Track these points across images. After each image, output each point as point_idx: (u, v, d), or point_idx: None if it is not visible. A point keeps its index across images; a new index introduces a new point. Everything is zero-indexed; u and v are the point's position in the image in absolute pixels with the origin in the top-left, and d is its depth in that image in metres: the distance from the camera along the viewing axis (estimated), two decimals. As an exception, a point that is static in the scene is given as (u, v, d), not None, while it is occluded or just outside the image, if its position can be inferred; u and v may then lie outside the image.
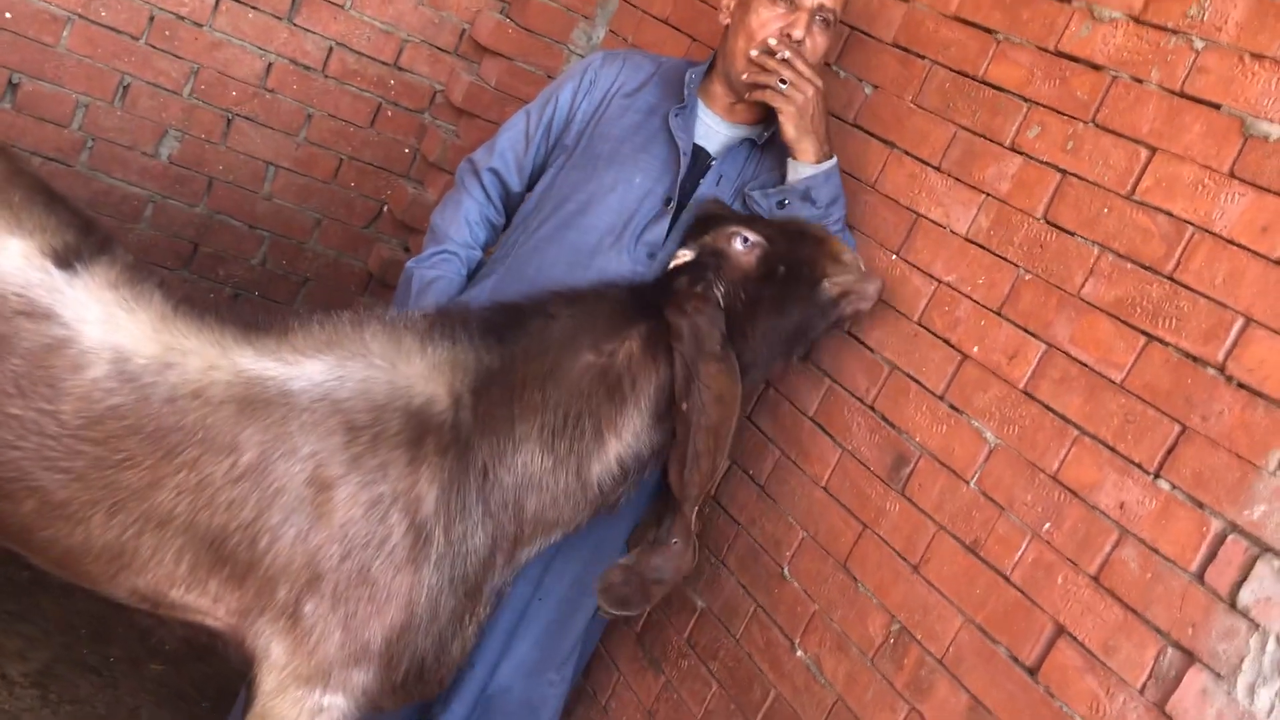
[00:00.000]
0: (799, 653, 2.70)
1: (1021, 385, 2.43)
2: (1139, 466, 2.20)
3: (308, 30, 3.81)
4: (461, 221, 2.94)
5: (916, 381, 2.63)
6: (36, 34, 3.54)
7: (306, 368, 2.31)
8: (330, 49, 3.85)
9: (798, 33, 2.71)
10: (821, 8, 2.74)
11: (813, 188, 2.74)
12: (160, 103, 3.72)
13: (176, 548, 2.30)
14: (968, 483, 2.47)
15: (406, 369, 2.36)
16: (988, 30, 2.70)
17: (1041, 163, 2.51)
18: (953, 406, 2.54)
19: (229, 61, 3.76)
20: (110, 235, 2.39)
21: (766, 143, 2.88)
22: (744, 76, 2.74)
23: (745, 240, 2.54)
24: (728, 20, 2.85)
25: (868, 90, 2.96)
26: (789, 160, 2.77)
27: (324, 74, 3.86)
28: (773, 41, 2.72)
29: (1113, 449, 2.25)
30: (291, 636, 2.35)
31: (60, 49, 3.58)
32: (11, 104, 3.57)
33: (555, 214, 2.84)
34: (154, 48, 3.67)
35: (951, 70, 2.76)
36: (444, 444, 2.36)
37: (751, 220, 2.61)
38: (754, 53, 2.74)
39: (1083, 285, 2.37)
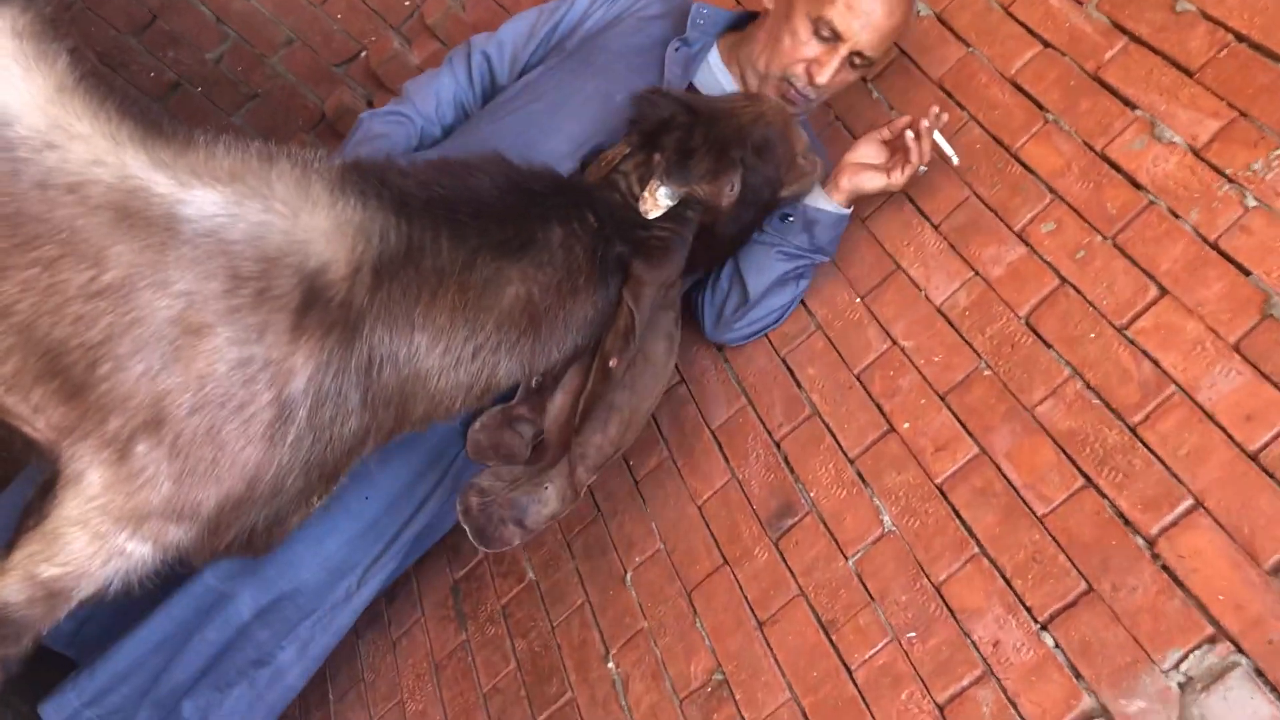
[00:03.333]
0: (610, 665, 2.49)
1: (939, 480, 2.23)
2: (1028, 610, 2.01)
3: None
4: (431, 94, 2.71)
5: (833, 436, 2.43)
6: None
7: (199, 195, 2.02)
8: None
9: (822, 78, 2.54)
10: (860, 53, 2.54)
11: (821, 223, 2.55)
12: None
13: (6, 346, 2.02)
14: (847, 559, 2.28)
15: (309, 221, 2.08)
16: (1040, 106, 2.49)
17: (1044, 261, 2.32)
18: (860, 475, 2.34)
19: None
20: None
21: None
22: (923, 124, 2.47)
23: (734, 186, 2.33)
24: (771, 4, 2.64)
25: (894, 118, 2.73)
26: (815, 189, 2.57)
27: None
28: (796, 80, 2.55)
29: (1008, 582, 2.06)
30: (114, 471, 2.09)
31: None
32: None
33: (524, 108, 2.61)
34: None
35: (988, 132, 2.55)
36: (330, 321, 2.10)
37: (724, 142, 2.34)
38: (777, 75, 2.55)
39: (1040, 403, 2.18)
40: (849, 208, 2.56)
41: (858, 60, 2.55)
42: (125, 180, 1.97)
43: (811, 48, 2.53)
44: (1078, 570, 1.99)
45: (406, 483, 2.61)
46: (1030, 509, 2.10)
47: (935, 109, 2.44)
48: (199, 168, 2.03)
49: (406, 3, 3.75)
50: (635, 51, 2.65)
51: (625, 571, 2.59)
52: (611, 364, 2.21)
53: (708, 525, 2.51)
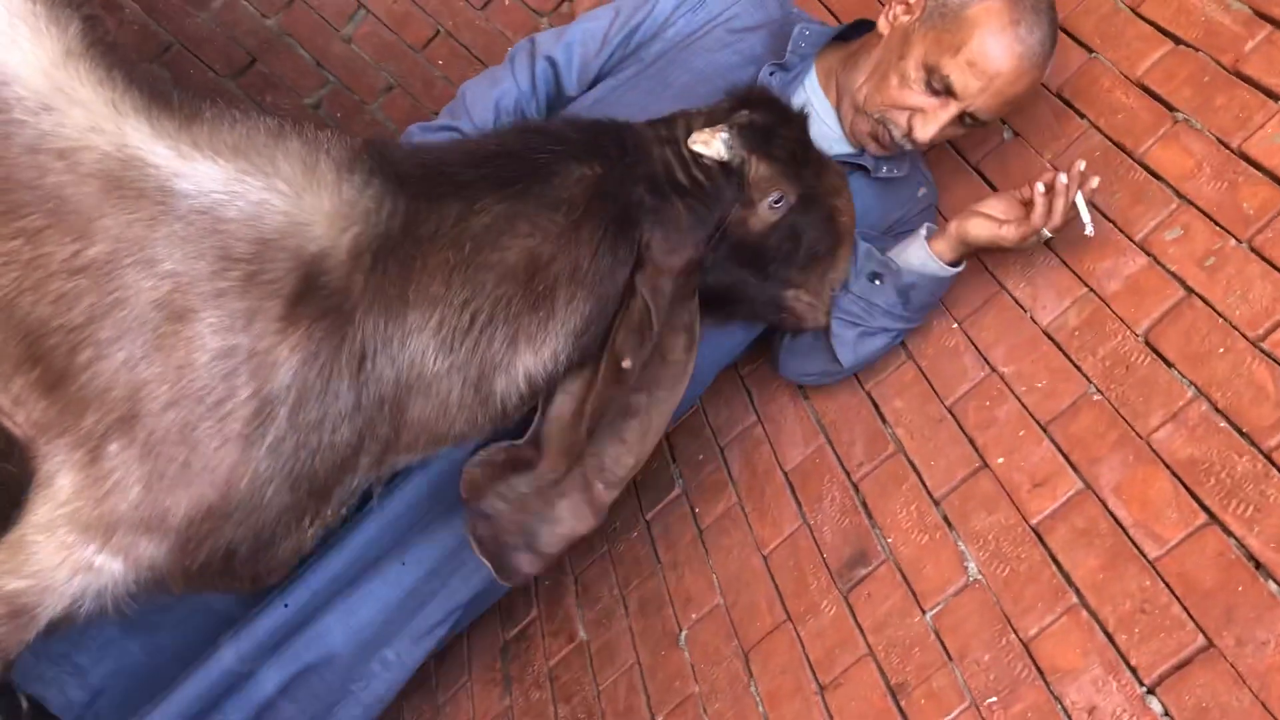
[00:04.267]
0: (655, 733, 2.17)
1: (1034, 521, 1.88)
2: (1132, 671, 1.64)
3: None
4: (491, 104, 2.46)
5: (918, 474, 2.09)
6: None
7: (200, 169, 1.83)
8: (468, -92, 3.43)
9: (923, 134, 2.21)
10: (972, 115, 2.22)
11: (917, 287, 2.21)
12: (271, -110, 3.33)
13: None
14: (924, 613, 1.93)
15: (313, 202, 1.87)
16: (1169, 106, 2.16)
17: (1168, 272, 1.97)
18: (945, 518, 2.00)
19: (363, -128, 3.37)
20: None
21: (879, 178, 2.36)
22: (1062, 179, 2.07)
23: (778, 201, 1.98)
24: (886, 30, 2.29)
25: (1007, 135, 2.43)
26: (918, 237, 2.23)
27: (451, -66, 3.44)
28: (894, 128, 2.24)
29: (1110, 637, 1.69)
30: (85, 474, 1.88)
31: None
32: None
33: None
34: None
35: (1109, 139, 2.22)
36: (323, 309, 1.87)
37: (804, 160, 2.02)
38: (874, 115, 2.26)
39: (1156, 429, 1.82)
40: (955, 264, 2.21)
41: (969, 120, 2.23)
42: (122, 149, 1.80)
43: (919, 97, 2.20)
44: (1194, 622, 1.62)
45: (449, 549, 2.30)
46: (1140, 551, 1.73)
47: (1081, 164, 2.06)
48: (202, 140, 1.85)
49: (509, 51, 3.59)
50: (721, 72, 2.34)
51: (680, 630, 2.27)
52: (625, 365, 1.91)
53: (772, 577, 2.18)
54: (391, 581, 2.27)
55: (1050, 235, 2.09)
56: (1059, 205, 2.04)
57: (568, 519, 1.98)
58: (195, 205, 1.80)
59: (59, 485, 1.89)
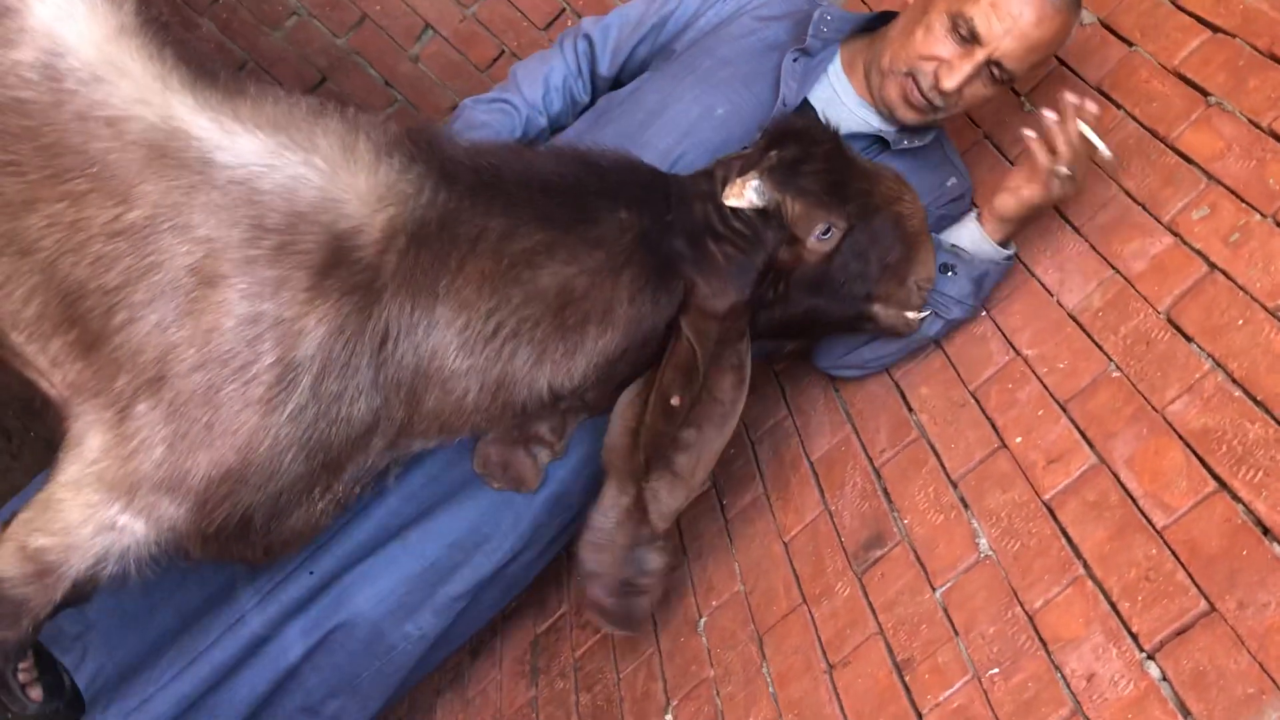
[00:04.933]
0: (669, 717, 2.14)
1: (1047, 496, 1.84)
2: (1133, 637, 1.59)
3: (524, -103, 3.48)
4: (540, 80, 2.52)
5: (938, 457, 2.06)
6: None
7: (240, 142, 1.89)
8: (532, -71, 3.50)
9: (950, 82, 2.20)
10: (999, 63, 2.20)
11: (990, 275, 2.19)
12: (341, -89, 3.44)
13: (30, 285, 1.92)
14: (934, 590, 1.89)
15: (349, 180, 1.91)
16: (1203, 91, 2.12)
17: (1192, 249, 1.93)
18: (961, 498, 1.96)
19: (430, -104, 3.46)
20: None
21: (904, 151, 2.35)
22: (1049, 116, 2.05)
23: (826, 232, 2.00)
24: None
25: (1045, 130, 2.40)
26: (973, 222, 2.22)
27: (524, -47, 3.51)
28: (922, 79, 2.23)
29: (1113, 605, 1.64)
30: (114, 433, 1.93)
31: None
32: None
33: (621, 118, 2.38)
34: None
35: (1143, 127, 2.19)
36: (352, 284, 1.91)
37: (846, 182, 2.01)
38: (901, 70, 2.24)
39: (1172, 402, 1.78)
40: (1010, 248, 2.20)
41: (996, 72, 2.22)
42: (167, 120, 1.87)
43: (945, 47, 2.21)
44: (1197, 587, 1.57)
45: (471, 523, 2.31)
46: (1148, 520, 1.68)
47: (1071, 96, 2.05)
48: (244, 115, 1.91)
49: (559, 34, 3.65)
50: (746, 57, 2.37)
51: (700, 617, 2.25)
52: (674, 402, 1.94)
53: (791, 562, 2.16)
54: (414, 551, 2.28)
55: (1070, 172, 2.04)
56: (1059, 141, 2.02)
57: (654, 557, 2.07)
58: (233, 176, 1.85)
59: (88, 444, 1.94)
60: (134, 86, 1.86)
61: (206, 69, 1.93)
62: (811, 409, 2.39)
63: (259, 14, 3.52)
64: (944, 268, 2.18)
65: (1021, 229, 2.16)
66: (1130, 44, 2.35)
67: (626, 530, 2.07)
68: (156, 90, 1.87)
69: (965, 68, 2.20)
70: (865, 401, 2.29)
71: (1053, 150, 2.03)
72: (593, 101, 2.54)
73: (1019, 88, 2.48)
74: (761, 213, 1.99)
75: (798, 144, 2.02)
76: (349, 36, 3.58)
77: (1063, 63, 2.48)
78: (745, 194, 1.98)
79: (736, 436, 2.49)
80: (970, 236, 2.19)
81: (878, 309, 2.10)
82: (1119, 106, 2.28)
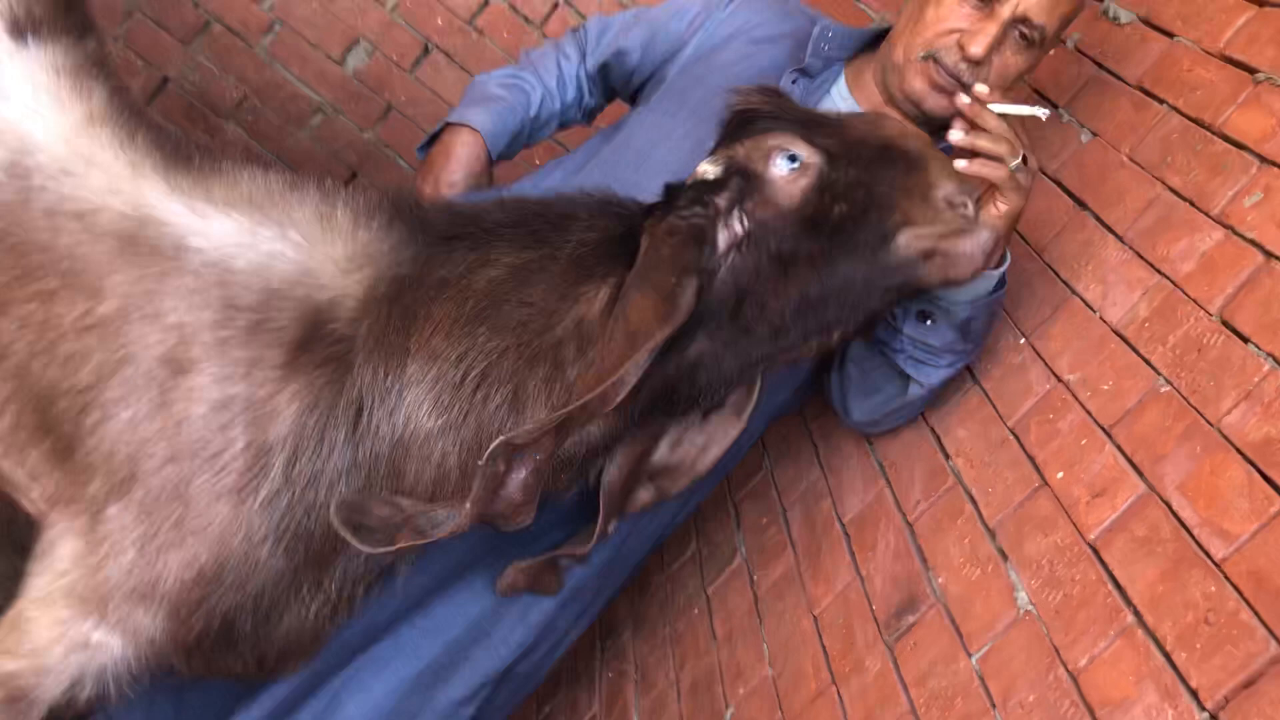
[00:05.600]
0: (694, 823, 1.88)
1: (1092, 536, 1.56)
2: (1192, 693, 1.30)
3: (537, -23, 3.37)
4: (554, 63, 2.39)
5: (974, 504, 1.80)
6: (255, -105, 3.27)
7: (214, 224, 1.77)
8: (555, 5, 3.38)
9: (976, 48, 1.96)
10: (1024, 19, 1.98)
11: (975, 318, 1.90)
12: (360, 6, 3.36)
13: (3, 394, 1.80)
14: (970, 656, 1.62)
15: (326, 250, 1.77)
16: (1250, 70, 1.87)
17: (1245, 240, 1.66)
18: (999, 548, 1.69)
19: (445, -15, 3.36)
20: (94, 23, 1.98)
21: None
22: (955, 135, 1.73)
23: (792, 160, 1.66)
24: None
25: (1084, 137, 2.16)
26: None
27: (541, 30, 3.39)
28: (945, 56, 1.99)
29: (1168, 657, 1.36)
30: (84, 541, 1.78)
31: (275, -84, 3.29)
32: (210, -38, 3.31)
33: (610, 158, 2.19)
34: (371, -56, 3.33)
35: (1187, 118, 1.94)
36: (326, 356, 1.75)
37: (811, 122, 1.71)
38: (920, 55, 2.02)
39: (1228, 412, 1.50)
40: (998, 265, 1.86)
41: (1024, 30, 1.98)
42: (138, 209, 1.77)
43: (962, 16, 1.99)
44: (1265, 627, 1.28)
45: (470, 618, 2.07)
46: (1206, 552, 1.40)
47: (960, 98, 1.73)
48: (218, 196, 1.80)
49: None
50: (739, 84, 2.17)
51: (727, 708, 1.99)
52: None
53: (821, 638, 1.90)
54: (409, 651, 2.05)
55: (1020, 163, 1.71)
56: (989, 144, 1.69)
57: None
58: (206, 259, 1.74)
59: (58, 554, 1.79)
60: (104, 177, 1.77)
61: (180, 151, 1.84)
62: (844, 465, 2.14)
63: (284, 114, 3.45)
64: (921, 315, 1.91)
65: (1006, 243, 1.87)
66: (1172, 35, 2.11)
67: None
68: (127, 178, 1.78)
69: (991, 29, 1.98)
70: (899, 451, 2.03)
71: (995, 157, 1.71)
72: (599, 108, 2.39)
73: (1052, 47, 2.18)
74: (725, 175, 1.71)
75: (737, 122, 1.77)
76: (376, 129, 3.49)
77: (1101, 65, 2.25)
78: (707, 171, 1.73)
79: (768, 502, 2.26)
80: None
81: (909, 240, 1.67)
82: (1161, 101, 2.02)
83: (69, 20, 1.89)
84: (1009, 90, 2.07)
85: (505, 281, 1.77)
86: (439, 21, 3.38)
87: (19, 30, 1.84)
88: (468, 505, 1.57)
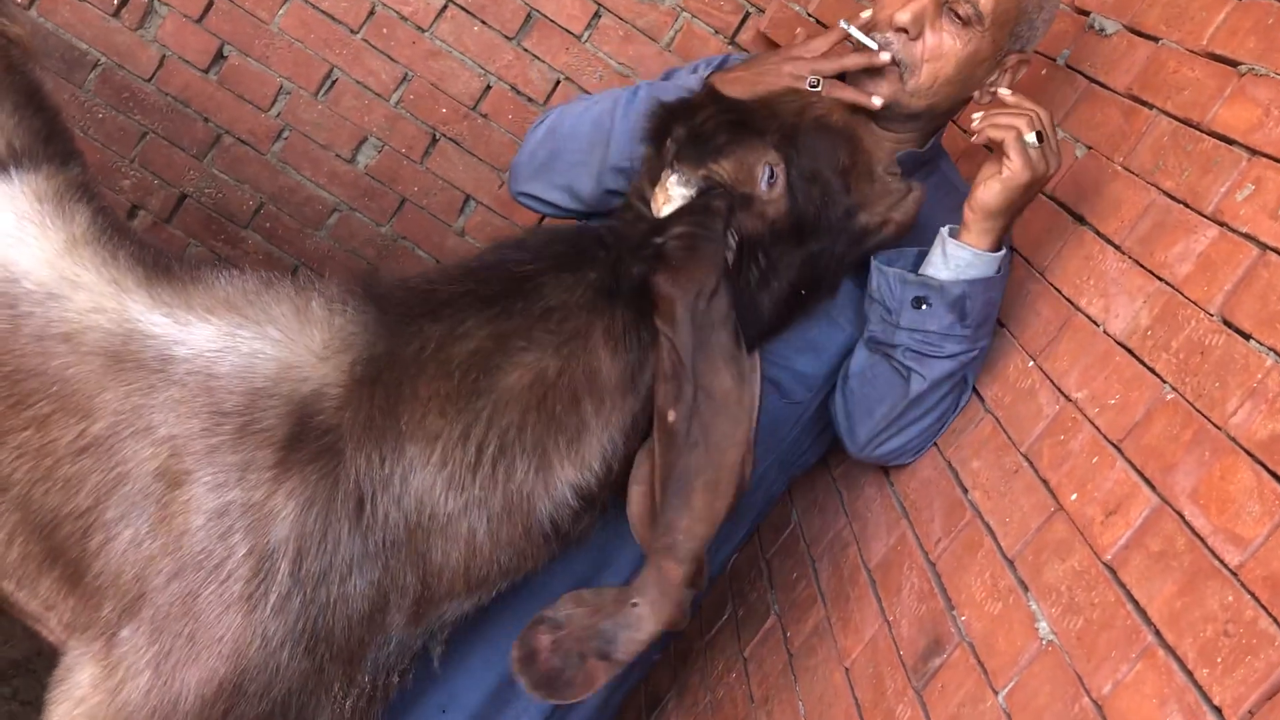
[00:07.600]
0: None
1: (1108, 556, 1.50)
2: (1216, 711, 1.23)
3: (535, 56, 3.37)
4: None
5: (992, 536, 1.73)
6: (253, 6, 3.32)
7: (195, 331, 1.78)
8: (557, 83, 3.39)
9: (902, 14, 1.93)
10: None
11: (970, 296, 1.87)
12: (365, 104, 3.39)
13: (9, 526, 1.81)
14: (997, 694, 1.55)
15: (305, 343, 1.77)
16: (1233, 63, 1.82)
17: (1239, 234, 1.60)
18: (1019, 579, 1.63)
19: (444, 74, 3.38)
20: (76, 152, 2.02)
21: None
22: (977, 125, 1.86)
23: (771, 174, 1.74)
24: None
25: (1079, 152, 2.11)
26: (940, 242, 1.91)
27: (543, 108, 3.40)
28: (894, 43, 1.97)
29: (1190, 675, 1.29)
30: (101, 665, 1.78)
31: (273, 27, 3.33)
32: (217, 75, 3.36)
33: None
34: (368, 44, 3.35)
35: (1176, 119, 1.89)
36: (316, 449, 1.74)
37: (746, 118, 1.78)
38: (902, 17, 1.98)
39: (1234, 413, 1.43)
40: (997, 249, 1.90)
41: (958, 11, 1.93)
42: (122, 324, 1.79)
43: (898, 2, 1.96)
44: (1285, 633, 1.21)
45: (491, 689, 2.03)
46: (1220, 561, 1.33)
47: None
48: (197, 303, 1.81)
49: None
50: None
51: (766, 770, 1.93)
52: (670, 419, 1.64)
53: (853, 690, 1.83)
54: None
55: (1036, 140, 1.83)
56: (1010, 113, 1.86)
57: (648, 619, 1.62)
58: (190, 367, 1.74)
59: (76, 680, 1.79)
60: (88, 297, 1.78)
61: (160, 264, 1.87)
62: (867, 509, 2.08)
63: (301, 217, 3.47)
64: (917, 301, 1.88)
65: (1013, 221, 1.85)
66: (1156, 40, 2.06)
67: (614, 603, 1.69)
68: (110, 295, 1.79)
69: (919, 2, 1.94)
70: (919, 490, 1.97)
71: (1010, 125, 1.80)
72: None
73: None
74: (702, 196, 1.75)
75: (681, 121, 1.80)
76: (392, 223, 3.50)
77: (1091, 79, 2.20)
78: (672, 193, 1.76)
79: (797, 556, 2.20)
80: (937, 257, 1.89)
81: (866, 218, 1.82)
82: (1150, 107, 1.98)
83: (50, 150, 1.93)
84: (966, 81, 2.01)
85: (494, 354, 1.75)
86: (443, 110, 3.40)
87: (1, 163, 1.87)
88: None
